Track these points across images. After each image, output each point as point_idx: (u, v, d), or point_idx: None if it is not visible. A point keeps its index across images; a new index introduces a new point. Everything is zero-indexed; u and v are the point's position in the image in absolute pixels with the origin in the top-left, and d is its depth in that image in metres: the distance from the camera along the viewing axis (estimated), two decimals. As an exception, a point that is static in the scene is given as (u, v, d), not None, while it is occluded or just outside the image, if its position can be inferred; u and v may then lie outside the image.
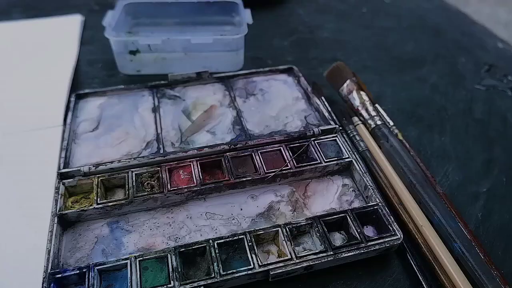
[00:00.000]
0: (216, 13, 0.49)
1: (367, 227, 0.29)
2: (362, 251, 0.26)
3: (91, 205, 0.29)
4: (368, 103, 0.37)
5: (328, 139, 0.34)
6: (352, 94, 0.37)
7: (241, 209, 0.30)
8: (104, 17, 0.43)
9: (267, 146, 0.33)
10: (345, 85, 0.38)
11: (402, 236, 0.27)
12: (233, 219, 0.29)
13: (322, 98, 0.38)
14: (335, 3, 0.62)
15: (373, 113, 0.36)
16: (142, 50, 0.42)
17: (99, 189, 0.30)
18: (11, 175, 0.32)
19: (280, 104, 0.39)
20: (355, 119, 0.37)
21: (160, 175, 0.31)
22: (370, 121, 0.36)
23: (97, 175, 0.31)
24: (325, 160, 0.32)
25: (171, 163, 0.32)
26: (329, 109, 0.37)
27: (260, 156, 0.32)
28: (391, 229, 0.27)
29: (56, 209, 0.28)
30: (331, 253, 0.26)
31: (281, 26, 0.55)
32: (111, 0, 0.60)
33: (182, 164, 0.32)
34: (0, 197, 0.31)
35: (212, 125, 0.36)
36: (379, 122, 0.35)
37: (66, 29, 0.51)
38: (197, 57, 0.43)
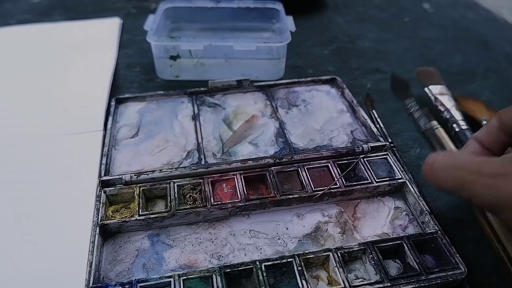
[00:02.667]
0: (255, 19, 0.48)
1: (424, 256, 0.26)
2: (422, 284, 0.24)
3: (132, 216, 0.28)
4: (455, 108, 0.36)
5: (379, 157, 0.32)
6: (443, 96, 0.37)
7: (287, 228, 0.28)
8: (144, 21, 0.42)
9: (313, 162, 0.31)
10: (438, 86, 0.38)
11: (466, 270, 0.24)
12: (279, 238, 0.28)
13: (374, 111, 0.36)
14: (375, 12, 0.60)
15: (459, 117, 0.35)
16: (183, 56, 0.41)
17: (140, 200, 0.29)
18: (51, 179, 0.32)
19: (324, 116, 0.37)
20: (434, 123, 0.35)
21: (203, 188, 0.29)
22: (454, 125, 0.35)
23: (139, 185, 0.30)
24: (377, 180, 0.30)
25: (214, 175, 0.30)
26: (381, 124, 0.35)
27: (307, 172, 0.30)
28: (454, 261, 0.25)
29: (98, 219, 0.27)
30: (388, 284, 0.24)
31: (320, 35, 0.54)
32: (148, 4, 0.60)
33: (225, 177, 0.30)
34: (40, 202, 0.30)
35: (254, 136, 0.35)
36: (464, 127, 0.34)
37: (106, 31, 0.51)
38: (237, 64, 0.42)
